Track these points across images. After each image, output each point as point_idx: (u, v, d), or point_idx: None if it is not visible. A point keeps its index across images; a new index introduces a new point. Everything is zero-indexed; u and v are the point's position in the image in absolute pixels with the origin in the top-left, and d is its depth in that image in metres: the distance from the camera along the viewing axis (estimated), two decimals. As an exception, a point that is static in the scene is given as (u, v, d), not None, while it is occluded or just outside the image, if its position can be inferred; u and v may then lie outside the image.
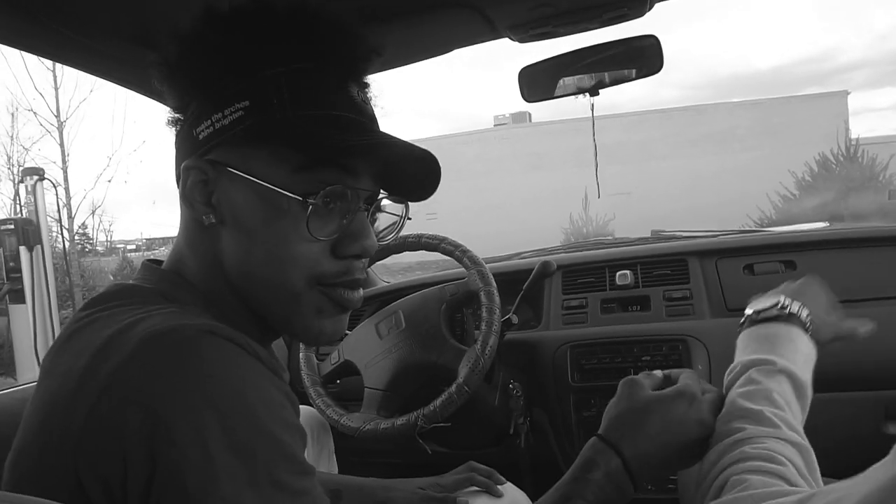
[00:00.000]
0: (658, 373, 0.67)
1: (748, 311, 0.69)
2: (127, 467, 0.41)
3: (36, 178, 4.06)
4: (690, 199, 11.89)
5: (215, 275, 0.56)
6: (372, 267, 1.79)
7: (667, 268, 1.34)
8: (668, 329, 1.21)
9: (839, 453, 1.14)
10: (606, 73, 1.09)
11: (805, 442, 0.55)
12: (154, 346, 0.44)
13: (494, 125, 17.35)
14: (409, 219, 0.64)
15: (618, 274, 1.35)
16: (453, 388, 1.05)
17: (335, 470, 1.20)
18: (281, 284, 0.54)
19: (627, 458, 0.60)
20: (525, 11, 0.94)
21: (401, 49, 1.07)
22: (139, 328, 0.46)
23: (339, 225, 0.54)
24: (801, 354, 0.62)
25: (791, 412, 0.57)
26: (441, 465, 1.33)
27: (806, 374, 0.61)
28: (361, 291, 0.59)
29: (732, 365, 0.64)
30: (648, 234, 1.90)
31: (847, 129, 12.50)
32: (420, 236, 1.26)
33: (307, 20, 0.55)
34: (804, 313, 0.64)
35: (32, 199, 4.02)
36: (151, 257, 0.64)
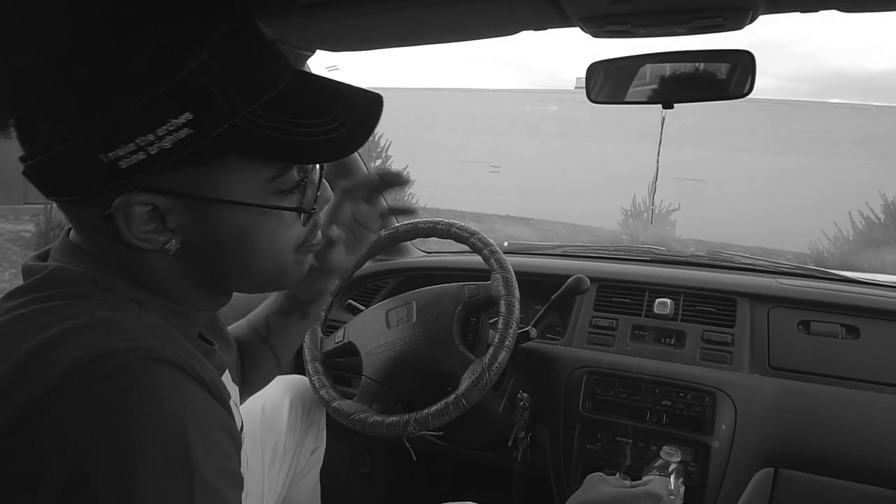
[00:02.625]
0: (628, 482, 0.69)
1: None
2: None
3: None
4: (766, 199, 11.26)
5: (166, 279, 0.51)
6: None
7: (713, 305, 1.22)
8: (699, 376, 1.10)
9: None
10: (686, 86, 0.96)
11: None
12: (84, 379, 0.39)
13: (575, 87, 16.73)
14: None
15: (657, 301, 1.23)
16: (451, 398, 0.98)
17: (323, 445, 1.17)
18: (273, 269, 0.54)
19: None
20: (601, 4, 0.82)
21: (465, 25, 0.97)
22: (67, 348, 0.40)
23: (305, 198, 0.53)
24: None
25: None
26: (435, 452, 1.29)
27: None
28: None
29: None
30: (704, 252, 1.76)
31: (959, 156, 11.46)
32: (451, 224, 1.18)
33: None
34: None
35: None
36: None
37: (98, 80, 0.40)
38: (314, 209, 0.55)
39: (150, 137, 0.41)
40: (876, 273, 1.58)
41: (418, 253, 1.74)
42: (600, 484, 0.67)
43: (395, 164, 8.22)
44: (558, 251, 1.70)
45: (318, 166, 0.55)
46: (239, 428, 0.62)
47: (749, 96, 1.00)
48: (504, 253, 1.68)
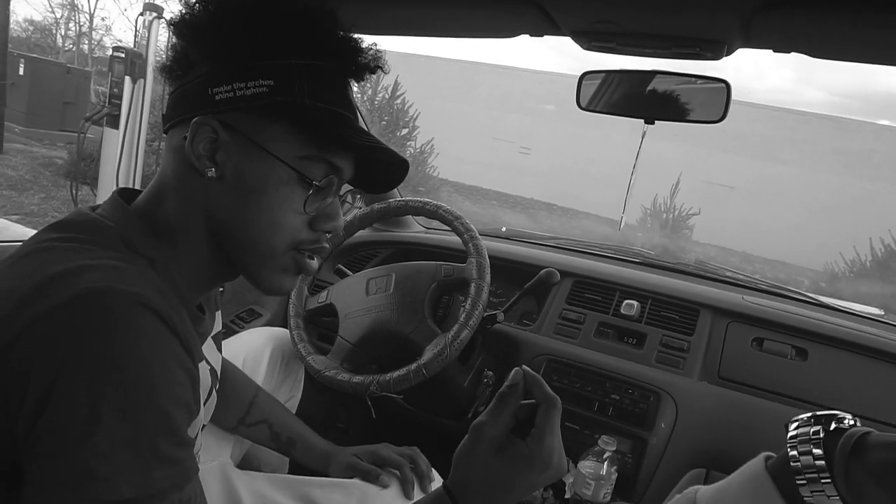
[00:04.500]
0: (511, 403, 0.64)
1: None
2: (25, 396, 0.46)
3: (154, 15, 4.21)
4: (794, 214, 11.11)
5: (195, 219, 0.62)
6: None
7: (676, 312, 1.28)
8: (649, 377, 1.18)
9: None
10: (667, 105, 1.01)
11: None
12: (84, 305, 0.49)
13: (616, 77, 16.41)
14: (360, 207, 0.69)
15: (625, 302, 1.30)
16: (413, 366, 1.07)
17: (298, 395, 1.27)
18: (265, 242, 0.62)
19: None
20: (588, 22, 0.88)
21: (468, 25, 1.03)
22: (83, 278, 0.50)
23: (321, 204, 0.64)
24: None
25: None
26: (402, 415, 1.38)
27: None
28: (318, 259, 0.70)
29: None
30: (692, 262, 1.82)
31: None
32: (438, 206, 1.25)
33: (327, 24, 0.62)
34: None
35: (146, 35, 4.20)
36: (125, 186, 0.68)
37: (248, 39, 0.59)
38: (315, 215, 0.64)
39: (241, 85, 0.58)
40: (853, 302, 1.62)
41: (418, 228, 1.82)
42: (480, 443, 0.62)
43: (422, 136, 8.26)
44: (551, 243, 1.77)
45: (338, 199, 0.66)
46: (209, 388, 0.74)
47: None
48: (501, 238, 1.76)
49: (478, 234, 1.19)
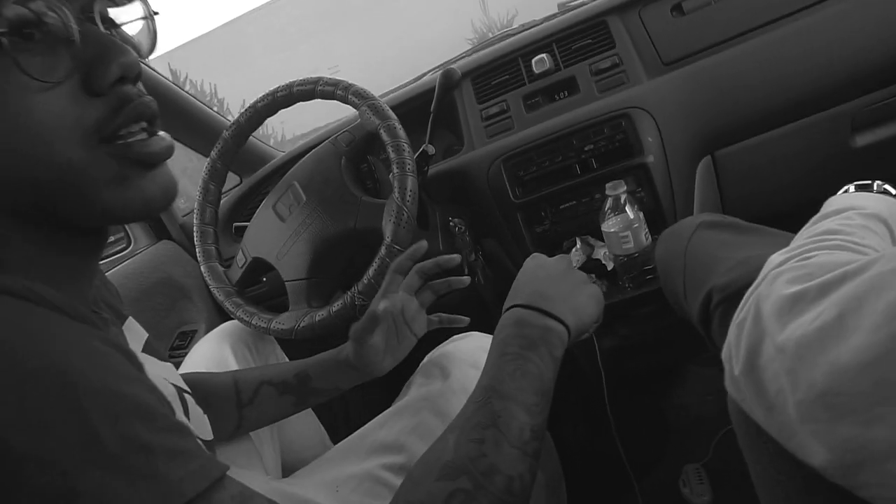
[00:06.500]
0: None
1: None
2: None
3: None
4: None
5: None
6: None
7: (587, 37, 1.13)
8: (605, 107, 1.04)
9: (814, 177, 1.06)
10: None
11: None
12: None
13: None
14: (157, 13, 0.46)
15: (534, 61, 1.14)
16: (383, 251, 0.88)
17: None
18: (47, 165, 0.39)
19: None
20: None
21: None
22: None
23: (70, 57, 0.40)
24: None
25: None
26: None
27: None
28: (163, 133, 0.45)
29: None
30: (555, 10, 1.67)
31: None
32: (290, 86, 1.02)
33: None
34: None
35: None
36: None
37: None
38: (79, 78, 0.40)
39: None
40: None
41: (277, 153, 1.57)
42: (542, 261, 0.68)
43: (233, 107, 7.59)
44: (428, 76, 1.57)
45: (98, 29, 0.42)
46: (175, 397, 0.54)
47: None
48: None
49: (350, 83, 0.97)
